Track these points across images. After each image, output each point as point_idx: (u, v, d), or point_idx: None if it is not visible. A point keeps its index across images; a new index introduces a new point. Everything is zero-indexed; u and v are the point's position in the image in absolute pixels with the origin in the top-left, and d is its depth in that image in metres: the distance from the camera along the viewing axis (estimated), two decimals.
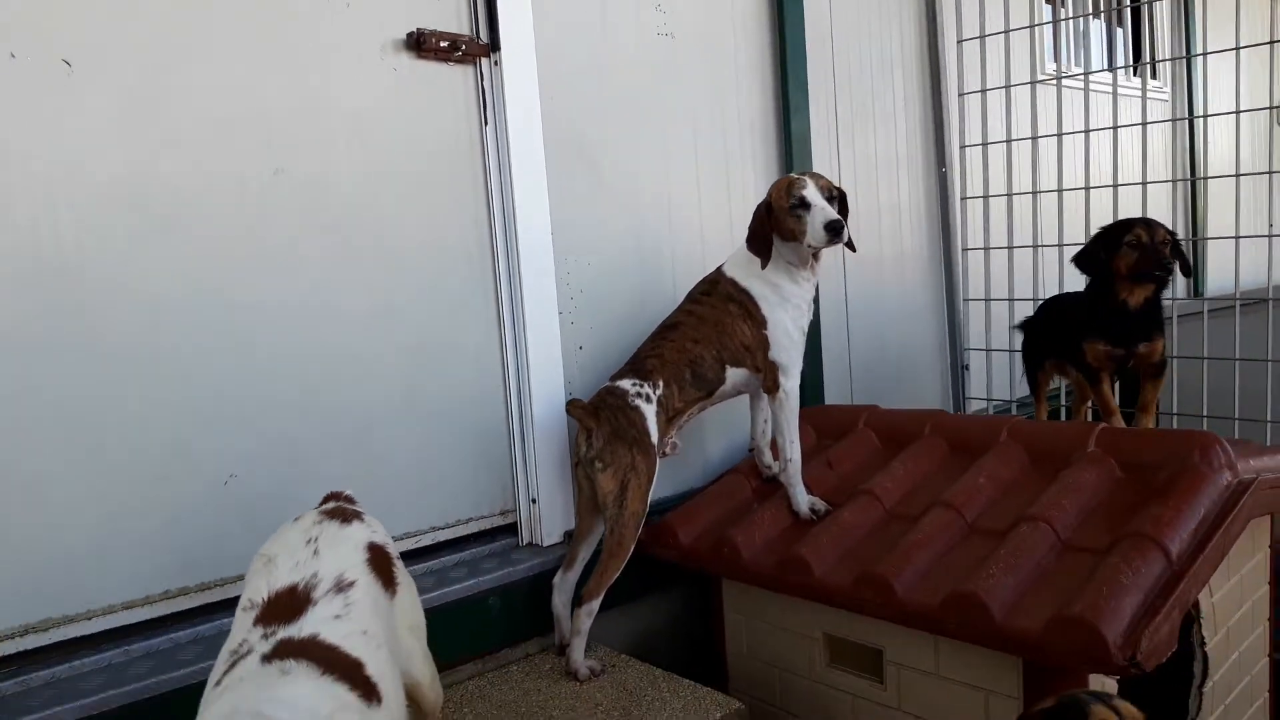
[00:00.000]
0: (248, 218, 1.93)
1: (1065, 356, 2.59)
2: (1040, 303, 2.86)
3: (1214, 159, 4.70)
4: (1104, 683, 1.84)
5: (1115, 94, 3.11)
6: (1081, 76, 3.31)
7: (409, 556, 2.18)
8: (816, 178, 2.17)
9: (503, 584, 2.21)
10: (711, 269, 2.39)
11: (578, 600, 2.12)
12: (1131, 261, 2.24)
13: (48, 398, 1.71)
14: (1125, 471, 2.08)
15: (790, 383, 2.27)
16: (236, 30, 1.90)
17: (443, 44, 2.18)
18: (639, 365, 2.23)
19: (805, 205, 2.12)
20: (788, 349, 2.25)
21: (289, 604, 1.26)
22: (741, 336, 2.25)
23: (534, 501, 2.35)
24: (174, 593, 1.86)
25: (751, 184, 2.82)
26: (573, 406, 2.13)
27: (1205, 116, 4.50)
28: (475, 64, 2.27)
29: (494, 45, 2.26)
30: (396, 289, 2.15)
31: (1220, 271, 4.48)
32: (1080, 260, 2.41)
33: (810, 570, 2.07)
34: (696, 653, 2.51)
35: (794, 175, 2.20)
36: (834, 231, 2.08)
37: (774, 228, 2.19)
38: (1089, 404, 2.84)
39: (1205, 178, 4.09)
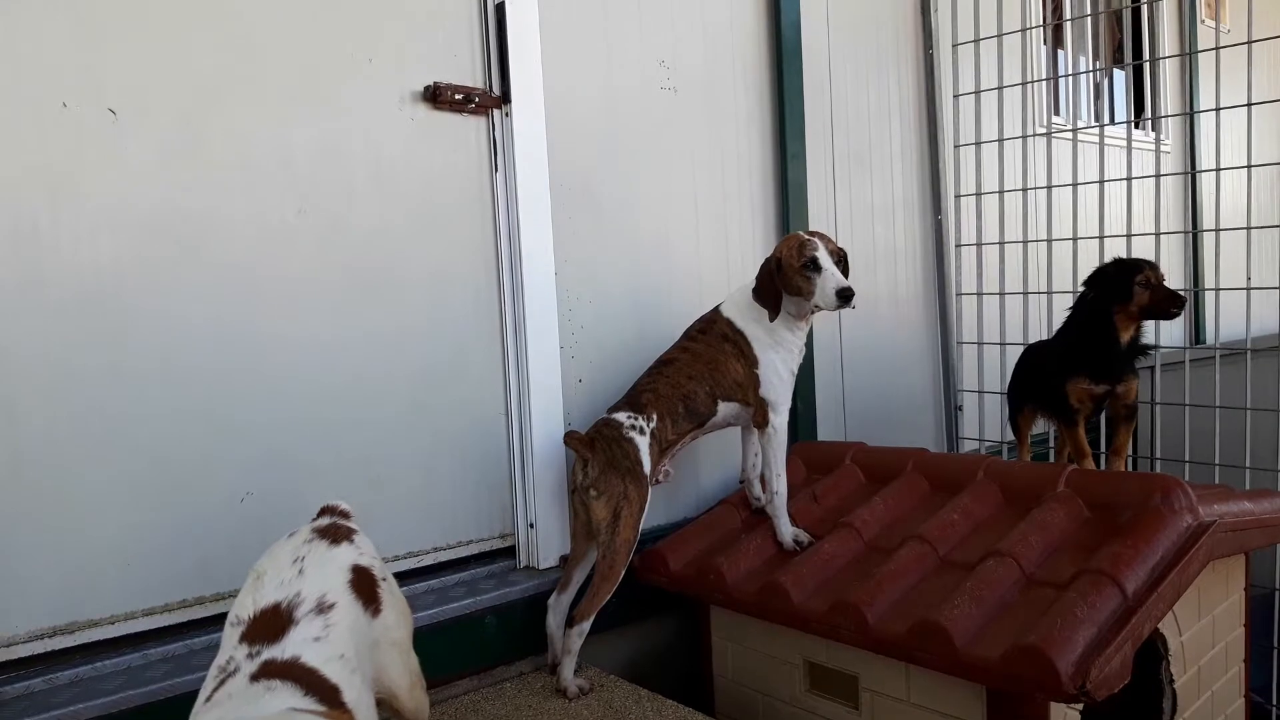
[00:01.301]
0: (272, 252, 2.08)
1: (1040, 401, 2.70)
2: (1025, 349, 2.97)
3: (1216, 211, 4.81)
4: (1065, 712, 1.94)
5: (1102, 147, 3.23)
6: (1071, 131, 3.44)
7: (411, 575, 2.31)
8: (825, 239, 2.29)
9: (500, 604, 2.33)
10: (708, 308, 2.52)
11: (570, 621, 2.23)
12: (1145, 300, 2.34)
13: (81, 414, 1.86)
14: (1092, 511, 2.18)
15: (779, 419, 2.39)
16: (267, 82, 2.07)
17: (457, 96, 2.35)
18: (634, 399, 2.36)
19: (817, 267, 2.24)
20: (777, 387, 2.37)
21: (272, 623, 1.34)
22: (734, 374, 2.38)
23: (532, 526, 2.47)
24: (190, 601, 1.99)
25: (749, 228, 2.96)
26: (570, 438, 2.25)
27: (1197, 172, 4.62)
28: (488, 115, 2.43)
29: (505, 98, 2.42)
30: (407, 321, 2.30)
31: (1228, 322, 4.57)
32: (1092, 284, 2.50)
33: (789, 597, 2.17)
34: (685, 677, 2.61)
35: (804, 236, 2.30)
36: (845, 298, 2.21)
37: (782, 284, 2.31)
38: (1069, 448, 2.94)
39: (1198, 231, 4.20)
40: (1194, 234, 4.75)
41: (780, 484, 2.40)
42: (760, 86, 2.99)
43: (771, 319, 2.33)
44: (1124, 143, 3.53)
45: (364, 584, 1.49)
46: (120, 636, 1.92)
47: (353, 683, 1.32)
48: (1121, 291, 2.41)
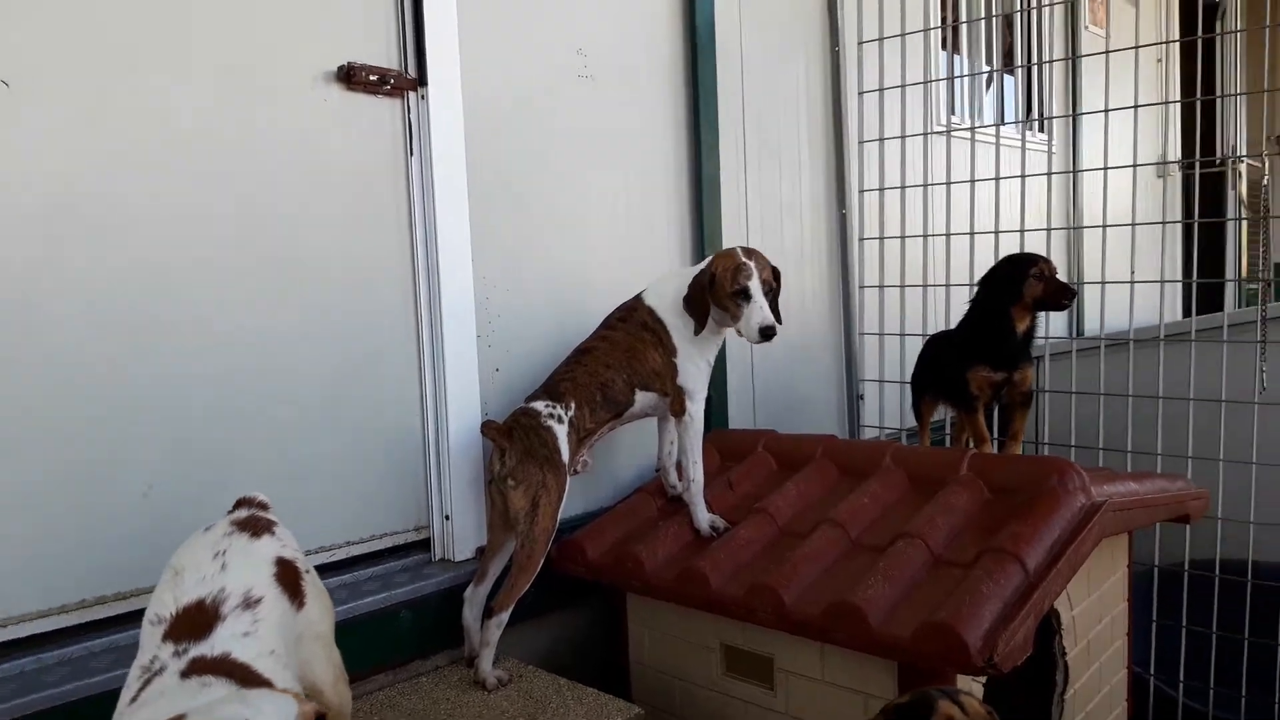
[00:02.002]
0: (178, 235, 1.99)
1: (942, 389, 2.81)
2: (926, 339, 3.08)
3: (1095, 208, 5.09)
4: (969, 685, 2.03)
5: (997, 147, 3.38)
6: (968, 130, 3.58)
7: (323, 570, 2.23)
8: (760, 264, 2.29)
9: (414, 597, 2.29)
10: (625, 298, 2.53)
11: (488, 612, 2.22)
12: (1039, 291, 2.47)
13: None
14: (993, 493, 2.29)
15: (696, 407, 2.42)
16: (175, 58, 1.98)
17: (372, 77, 2.29)
18: (552, 387, 2.35)
19: (747, 297, 2.26)
20: (695, 376, 2.40)
21: (197, 619, 1.31)
22: (652, 363, 2.40)
23: (447, 518, 2.44)
24: (90, 602, 1.90)
25: (664, 219, 2.98)
26: (487, 427, 2.24)
27: (1080, 171, 4.88)
28: (403, 97, 2.38)
29: (421, 80, 2.37)
30: (320, 308, 2.23)
31: (1090, 312, 4.84)
32: (987, 284, 2.62)
33: (708, 582, 2.21)
34: (602, 665, 2.62)
35: (741, 258, 2.29)
36: (766, 336, 2.24)
37: (712, 299, 2.32)
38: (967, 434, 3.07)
39: (1083, 226, 4.43)
40: (1074, 230, 5.00)
41: (697, 472, 2.43)
42: (675, 77, 3.01)
43: (696, 333, 2.35)
44: (1016, 142, 3.70)
45: (288, 577, 1.46)
46: (12, 641, 1.81)
47: (285, 678, 1.29)
48: (1016, 284, 2.53)
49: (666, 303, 2.41)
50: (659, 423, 2.62)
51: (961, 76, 4.34)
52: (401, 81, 2.36)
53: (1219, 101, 7.20)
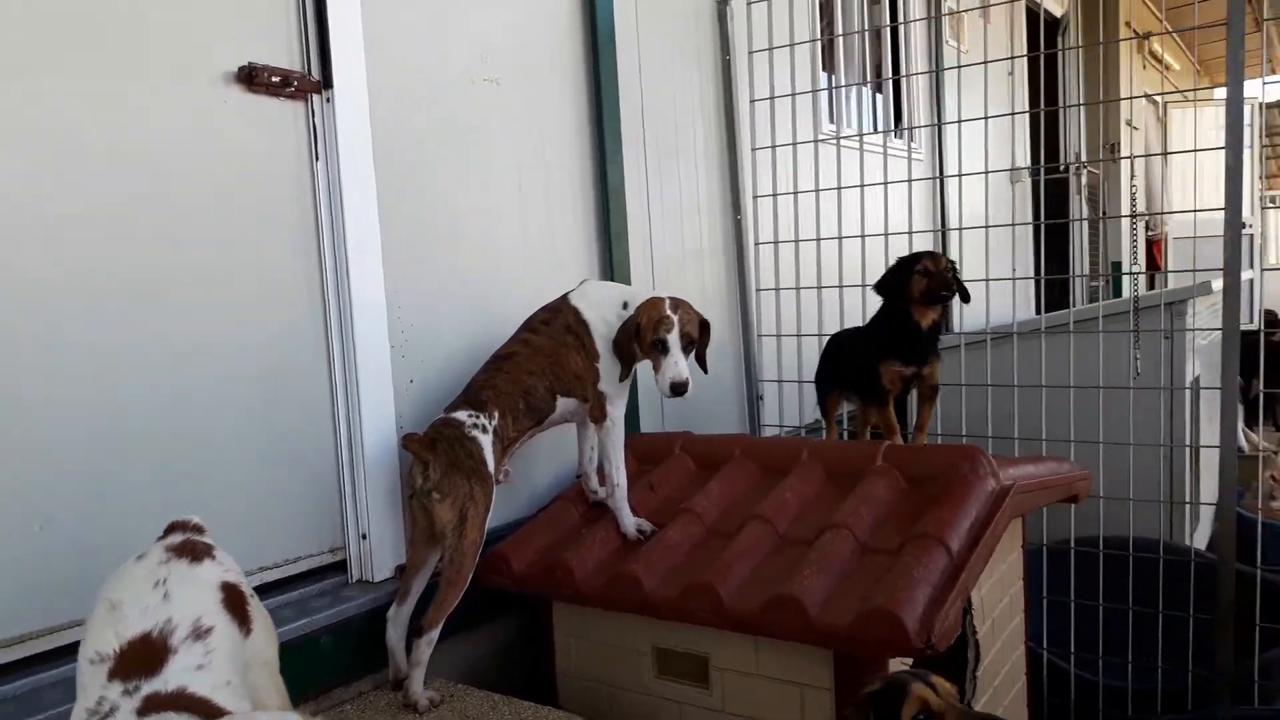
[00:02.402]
0: (68, 250, 1.84)
1: (850, 384, 2.91)
2: (830, 337, 3.18)
3: (963, 211, 5.39)
4: (903, 667, 2.09)
5: (900, 156, 3.53)
6: (857, 137, 3.72)
7: None
8: (684, 317, 2.28)
9: (334, 622, 2.19)
10: (536, 303, 2.50)
11: (417, 631, 2.14)
12: (923, 286, 2.58)
13: None
14: (908, 482, 2.37)
15: (616, 412, 2.41)
16: (64, 54, 1.83)
17: (274, 79, 2.18)
18: (474, 396, 2.30)
19: (664, 349, 2.26)
20: (616, 381, 2.39)
21: (146, 654, 1.22)
22: (574, 367, 2.38)
23: (364, 537, 2.35)
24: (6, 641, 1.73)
25: (571, 226, 2.97)
26: (409, 440, 2.16)
27: (955, 176, 5.15)
28: (307, 100, 2.28)
29: (326, 82, 2.28)
30: (223, 323, 2.11)
31: (971, 310, 5.11)
32: (880, 287, 2.74)
33: (641, 585, 2.20)
34: (527, 677, 2.57)
35: (665, 310, 2.28)
36: (678, 393, 2.25)
37: (637, 344, 2.31)
38: (869, 427, 3.18)
39: (960, 229, 4.67)
40: (940, 232, 5.27)
41: (620, 476, 2.42)
42: (578, 81, 3.00)
43: (621, 379, 2.37)
44: (894, 150, 3.87)
45: (235, 602, 1.37)
46: None
47: (243, 709, 1.21)
48: (904, 281, 2.66)
49: (593, 306, 2.39)
50: (578, 429, 2.60)
51: (843, 86, 4.50)
52: (305, 84, 2.26)
53: (1061, 111, 7.75)
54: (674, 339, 2.25)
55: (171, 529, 1.49)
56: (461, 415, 2.24)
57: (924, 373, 2.66)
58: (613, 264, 3.05)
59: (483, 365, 2.40)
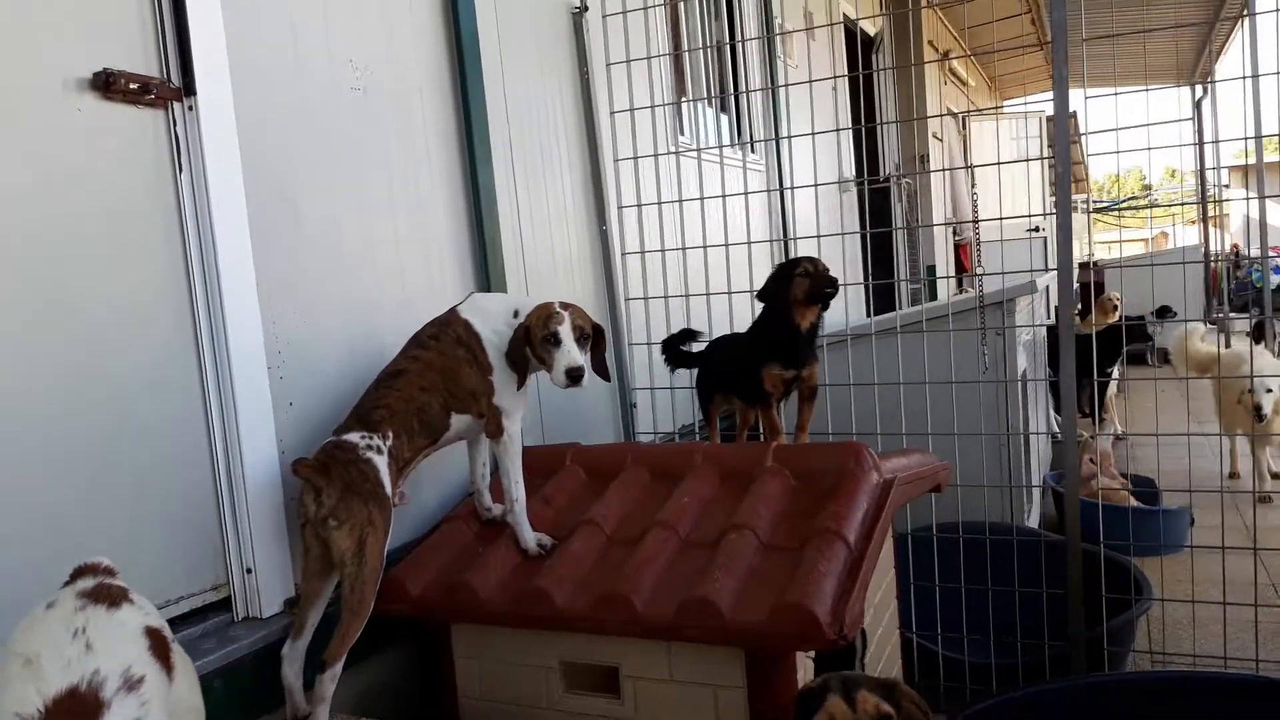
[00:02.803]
0: None
1: (732, 388, 2.99)
2: (708, 344, 3.25)
3: (799, 220, 5.66)
4: (805, 662, 2.17)
5: (744, 168, 3.65)
6: (713, 149, 3.83)
7: None
8: (575, 314, 2.29)
9: (224, 664, 2.05)
10: (414, 316, 2.44)
11: (320, 665, 2.03)
12: (805, 288, 2.67)
13: None
14: (799, 480, 2.46)
15: (513, 426, 2.38)
16: None
17: (133, 86, 2.02)
18: (365, 417, 2.21)
19: (556, 341, 2.24)
20: (511, 395, 2.36)
21: (77, 711, 1.12)
22: (468, 381, 2.32)
23: (249, 571, 2.20)
24: None
25: (446, 231, 2.90)
26: (300, 465, 2.05)
27: (793, 188, 5.39)
28: (167, 108, 2.12)
29: (188, 89, 2.13)
30: (86, 353, 1.93)
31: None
32: (763, 294, 2.82)
33: (552, 600, 2.18)
34: (423, 705, 2.49)
35: (555, 307, 2.28)
36: (574, 379, 2.24)
37: (529, 348, 2.29)
38: (747, 428, 3.28)
39: (798, 238, 4.88)
40: (784, 241, 5.50)
41: (519, 491, 2.39)
42: (444, 91, 2.94)
43: (518, 387, 2.34)
44: (751, 163, 4.01)
45: (160, 648, 1.28)
46: None
47: None
48: (785, 284, 2.75)
49: (483, 318, 2.35)
50: (469, 446, 2.55)
51: (698, 100, 4.62)
52: (165, 91, 2.10)
53: (879, 126, 8.26)
54: (565, 330, 2.25)
55: (79, 573, 1.37)
56: (354, 437, 2.15)
57: (804, 375, 2.77)
58: (488, 273, 3.00)
59: (371, 384, 2.31)
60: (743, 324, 3.64)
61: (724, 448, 2.67)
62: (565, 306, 2.29)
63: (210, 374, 2.17)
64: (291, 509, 2.26)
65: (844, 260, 3.95)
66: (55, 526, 1.86)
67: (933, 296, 9.71)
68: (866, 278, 5.31)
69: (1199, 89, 14.38)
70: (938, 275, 9.72)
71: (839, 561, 2.09)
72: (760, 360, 2.74)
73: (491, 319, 2.36)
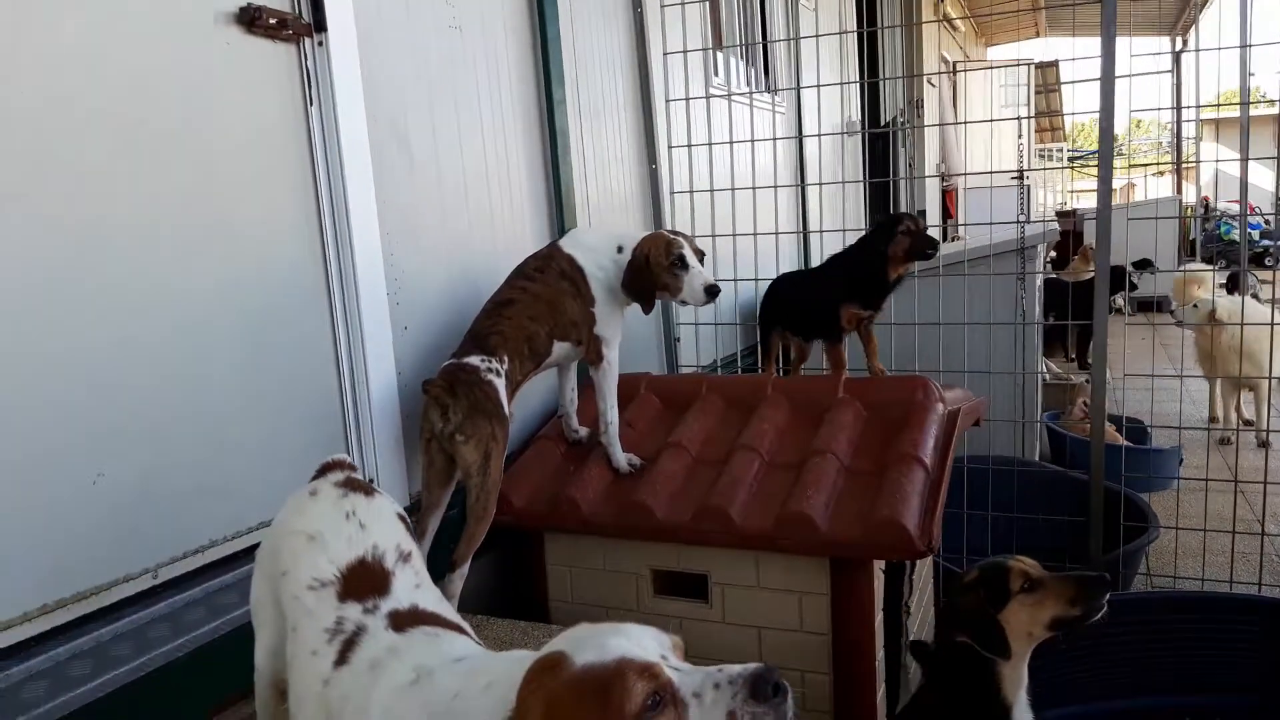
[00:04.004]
0: (89, 195, 1.76)
1: (797, 322, 3.18)
2: (773, 281, 3.43)
3: (810, 163, 5.83)
4: (878, 570, 2.40)
5: (774, 111, 3.78)
6: (754, 94, 3.96)
7: None
8: (688, 239, 2.44)
9: None
10: (506, 251, 2.58)
11: (450, 566, 2.22)
12: (906, 245, 2.83)
13: None
14: (869, 410, 2.67)
15: (612, 353, 2.55)
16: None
17: (272, 20, 2.12)
18: (483, 342, 2.36)
19: (684, 265, 2.39)
20: (611, 324, 2.53)
21: (368, 577, 1.29)
22: (570, 313, 2.49)
23: (372, 481, 2.38)
24: (52, 606, 1.67)
25: (524, 173, 3.03)
26: (430, 385, 2.21)
27: (816, 135, 5.52)
28: (299, 44, 2.22)
29: (319, 25, 2.23)
30: (233, 269, 2.06)
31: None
32: (864, 244, 2.97)
33: (652, 513, 2.38)
34: (517, 605, 2.70)
35: (669, 235, 2.42)
36: (712, 294, 2.39)
37: (651, 274, 2.42)
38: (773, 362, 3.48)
39: (822, 183, 5.05)
40: (803, 187, 5.66)
41: (613, 414, 2.57)
42: (524, 33, 3.04)
43: (646, 312, 2.49)
44: (777, 108, 4.14)
45: (409, 532, 1.45)
46: None
47: (465, 627, 1.31)
48: (887, 240, 2.89)
49: (586, 252, 2.50)
50: (559, 372, 2.72)
51: (749, 45, 4.72)
52: (299, 26, 2.20)
53: (882, 71, 8.39)
54: (689, 253, 2.41)
55: (328, 467, 1.53)
56: (475, 360, 2.31)
57: (873, 314, 2.96)
58: (562, 213, 3.14)
59: (481, 311, 2.46)
60: (768, 262, 3.84)
61: (795, 381, 2.88)
62: (675, 233, 2.45)
63: (338, 298, 2.31)
64: (409, 424, 2.43)
65: (842, 202, 4.12)
66: (214, 434, 2.01)
67: None
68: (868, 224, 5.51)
69: (1179, 40, 14.65)
70: (929, 224, 9.92)
71: (920, 483, 2.31)
72: (840, 298, 2.90)
73: (594, 254, 2.51)
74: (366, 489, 1.47)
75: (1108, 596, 1.79)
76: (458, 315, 2.61)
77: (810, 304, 3.06)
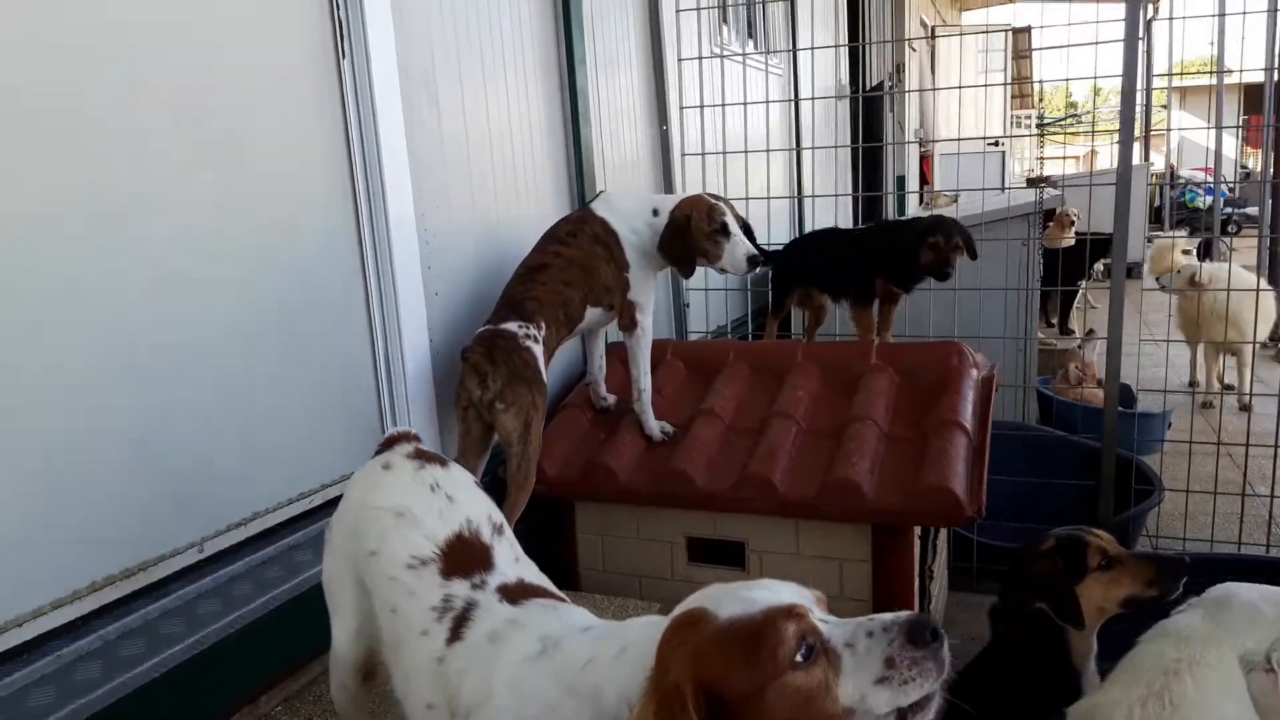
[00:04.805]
0: (129, 147, 1.67)
1: (824, 282, 3.16)
2: (795, 239, 3.38)
3: (806, 126, 5.78)
4: (916, 533, 2.39)
5: (767, 73, 3.70)
6: (761, 55, 3.88)
7: (303, 517, 2.06)
8: (729, 205, 2.38)
9: None
10: (527, 211, 2.50)
11: None
12: (930, 260, 2.81)
13: None
14: (900, 377, 2.65)
15: (645, 319, 2.49)
16: None
17: None
18: (519, 307, 2.29)
19: (726, 233, 2.33)
20: (645, 290, 2.47)
21: (468, 553, 1.25)
22: (604, 278, 2.43)
23: None
24: (100, 583, 1.60)
25: (545, 131, 2.94)
26: (469, 352, 2.15)
27: (811, 99, 5.46)
28: None
29: None
30: (272, 227, 1.97)
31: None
32: (899, 239, 2.94)
33: (692, 480, 2.35)
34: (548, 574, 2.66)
35: (711, 200, 2.35)
36: (754, 264, 2.33)
37: (693, 238, 2.35)
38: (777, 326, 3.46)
39: (815, 147, 4.98)
40: (798, 151, 5.60)
41: (646, 381, 2.53)
42: None
43: (686, 276, 2.45)
44: (775, 69, 4.06)
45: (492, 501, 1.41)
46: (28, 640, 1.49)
47: (563, 597, 1.27)
48: (919, 242, 2.85)
49: (620, 217, 2.44)
50: (587, 338, 2.67)
51: (752, 2, 4.63)
52: None
53: (865, 36, 8.33)
54: (732, 220, 2.36)
55: (394, 440, 1.46)
56: (512, 326, 2.24)
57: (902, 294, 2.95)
58: (581, 174, 3.06)
59: (514, 276, 2.39)
60: (778, 225, 3.78)
61: (825, 346, 2.85)
62: (716, 198, 2.39)
63: (371, 261, 2.22)
64: (440, 392, 2.37)
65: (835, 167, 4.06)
66: (250, 402, 1.93)
67: (902, 209, 9.96)
68: (857, 187, 5.48)
69: (1150, 8, 14.74)
70: (907, 190, 9.92)
71: (964, 449, 2.30)
72: (877, 271, 2.90)
73: (628, 218, 2.45)
74: (440, 459, 1.42)
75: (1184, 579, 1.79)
76: (485, 281, 2.54)
77: (846, 264, 3.03)
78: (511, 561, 1.27)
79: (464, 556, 1.24)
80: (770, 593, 0.94)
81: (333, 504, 2.11)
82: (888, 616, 0.94)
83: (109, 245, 1.62)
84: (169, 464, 1.71)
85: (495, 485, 2.25)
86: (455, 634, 1.16)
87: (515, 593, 1.20)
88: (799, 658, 0.89)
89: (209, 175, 1.82)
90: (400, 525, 1.28)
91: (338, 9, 2.13)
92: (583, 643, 1.08)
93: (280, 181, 1.99)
